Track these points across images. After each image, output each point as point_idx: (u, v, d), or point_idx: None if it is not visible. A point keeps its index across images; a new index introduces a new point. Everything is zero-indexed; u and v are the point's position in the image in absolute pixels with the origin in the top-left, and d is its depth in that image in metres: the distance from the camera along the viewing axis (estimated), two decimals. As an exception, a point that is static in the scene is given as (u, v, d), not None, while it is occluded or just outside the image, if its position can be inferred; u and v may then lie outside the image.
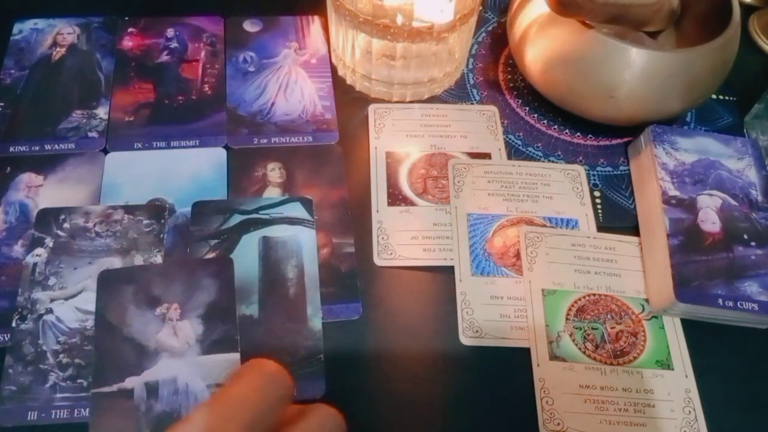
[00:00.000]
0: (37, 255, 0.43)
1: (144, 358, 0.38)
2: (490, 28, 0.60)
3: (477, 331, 0.42)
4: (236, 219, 0.46)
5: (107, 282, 0.41)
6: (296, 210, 0.46)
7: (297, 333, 0.41)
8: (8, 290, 0.42)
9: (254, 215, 0.46)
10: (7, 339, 0.40)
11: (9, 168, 0.48)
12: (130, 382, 0.38)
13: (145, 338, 0.39)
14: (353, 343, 0.42)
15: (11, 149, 0.49)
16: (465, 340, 0.42)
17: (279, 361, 0.33)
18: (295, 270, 0.44)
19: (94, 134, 0.50)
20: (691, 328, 0.43)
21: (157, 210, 0.46)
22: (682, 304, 0.42)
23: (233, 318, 0.40)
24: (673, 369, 0.42)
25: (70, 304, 0.41)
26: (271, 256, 0.44)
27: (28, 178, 0.47)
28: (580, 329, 0.43)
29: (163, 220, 0.45)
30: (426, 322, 0.43)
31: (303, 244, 0.45)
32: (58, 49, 0.55)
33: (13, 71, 0.53)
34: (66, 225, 0.44)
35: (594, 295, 0.44)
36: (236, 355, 0.39)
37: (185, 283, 0.41)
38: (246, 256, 0.44)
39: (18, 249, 0.44)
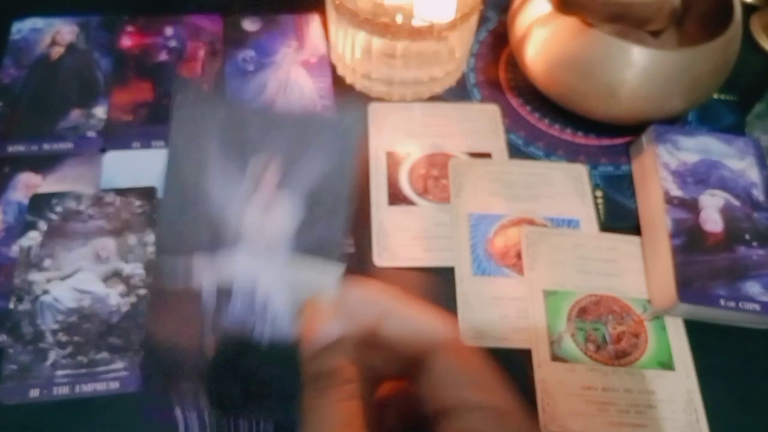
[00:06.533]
0: (31, 239, 0.44)
1: (219, 241, 0.28)
2: (491, 27, 0.60)
3: (478, 332, 0.42)
4: None
5: (184, 104, 0.28)
6: None
7: None
8: (8, 290, 0.42)
9: None
10: (5, 340, 0.40)
11: (7, 168, 0.47)
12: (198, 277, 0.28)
13: (225, 210, 0.27)
14: (353, 344, 0.42)
15: (10, 149, 0.48)
16: (465, 340, 0.42)
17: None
18: None
19: (92, 134, 0.50)
20: (693, 328, 0.43)
21: (147, 192, 0.46)
22: (684, 305, 0.41)
23: (344, 211, 0.27)
24: (674, 370, 0.42)
25: (66, 285, 0.42)
26: None
27: (26, 177, 0.47)
28: (582, 330, 0.42)
29: (154, 201, 0.46)
30: (426, 322, 0.43)
31: None
32: (56, 48, 0.55)
33: (11, 71, 0.53)
34: (58, 209, 0.45)
35: (595, 295, 0.44)
36: (340, 267, 0.28)
37: (293, 128, 0.27)
38: None
39: (17, 249, 0.43)
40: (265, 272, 0.28)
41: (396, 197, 0.48)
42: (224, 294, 0.28)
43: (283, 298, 0.28)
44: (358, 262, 0.45)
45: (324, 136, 0.27)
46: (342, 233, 0.28)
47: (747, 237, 0.44)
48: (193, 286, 0.28)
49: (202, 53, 0.55)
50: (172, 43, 0.56)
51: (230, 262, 0.28)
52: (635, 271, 0.45)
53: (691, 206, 0.45)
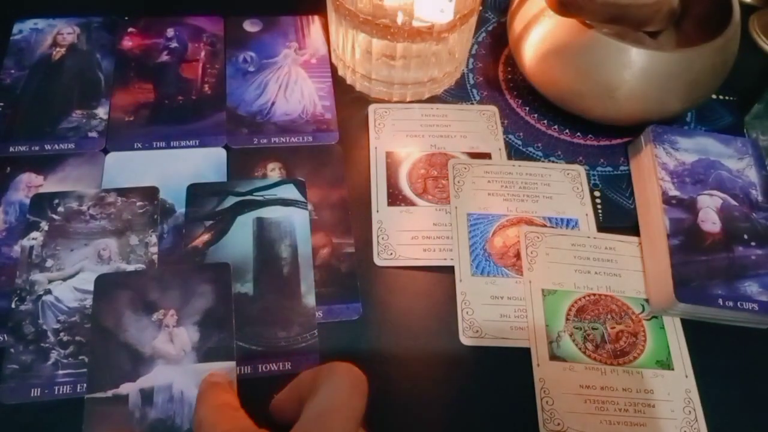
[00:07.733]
0: (32, 239, 0.44)
1: (139, 364, 0.38)
2: (490, 28, 0.60)
3: (477, 331, 0.42)
4: (231, 200, 0.46)
5: (103, 286, 0.41)
6: (290, 192, 0.47)
7: (291, 310, 0.42)
8: (9, 290, 0.42)
9: (248, 197, 0.47)
10: (6, 339, 0.40)
11: (9, 168, 0.48)
12: (125, 389, 0.38)
13: (141, 344, 0.39)
14: (353, 344, 0.42)
15: (11, 149, 0.49)
16: (465, 340, 0.42)
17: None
18: (289, 249, 0.45)
19: (94, 134, 0.50)
20: (691, 328, 0.43)
21: (149, 192, 0.46)
22: (683, 304, 0.41)
23: (230, 326, 0.40)
24: (673, 369, 0.42)
25: (68, 285, 0.42)
26: (265, 237, 0.45)
27: (27, 178, 0.47)
28: (580, 329, 0.43)
29: (156, 202, 0.46)
30: (426, 322, 0.43)
31: (296, 224, 0.46)
32: (58, 49, 0.55)
33: (13, 71, 0.53)
34: (60, 209, 0.45)
35: (594, 295, 0.44)
36: (232, 364, 0.39)
37: (182, 288, 0.41)
38: (240, 237, 0.45)
39: (18, 249, 0.44)
40: (177, 374, 0.38)
41: (396, 197, 0.48)
42: (147, 394, 0.37)
43: (194, 391, 0.37)
44: (359, 262, 0.45)
45: (198, 287, 0.41)
46: (229, 342, 0.39)
47: (745, 237, 0.44)
48: (121, 392, 0.37)
49: (203, 54, 0.56)
50: (173, 44, 0.56)
51: (150, 374, 0.38)
52: (633, 271, 0.45)
53: (690, 206, 0.45)
